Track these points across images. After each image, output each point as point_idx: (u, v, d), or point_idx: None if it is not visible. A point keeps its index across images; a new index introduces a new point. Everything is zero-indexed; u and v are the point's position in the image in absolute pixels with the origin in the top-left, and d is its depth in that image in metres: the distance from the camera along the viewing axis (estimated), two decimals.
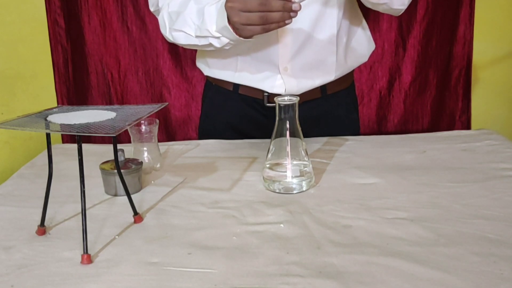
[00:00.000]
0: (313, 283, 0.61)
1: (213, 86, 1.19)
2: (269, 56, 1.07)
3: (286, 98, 0.86)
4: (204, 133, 1.24)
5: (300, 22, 1.03)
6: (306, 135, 0.88)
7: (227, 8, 0.89)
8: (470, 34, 1.52)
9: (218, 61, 1.12)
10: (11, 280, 0.64)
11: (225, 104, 1.18)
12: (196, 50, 1.24)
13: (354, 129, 1.23)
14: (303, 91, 1.09)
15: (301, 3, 0.87)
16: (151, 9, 1.13)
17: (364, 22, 1.17)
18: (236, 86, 1.14)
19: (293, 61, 1.07)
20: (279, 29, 0.99)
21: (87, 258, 0.67)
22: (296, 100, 0.86)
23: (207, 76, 1.20)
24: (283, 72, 1.07)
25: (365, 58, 1.17)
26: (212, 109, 1.22)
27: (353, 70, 1.18)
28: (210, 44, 0.99)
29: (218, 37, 0.96)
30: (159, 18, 1.07)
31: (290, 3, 0.85)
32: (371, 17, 1.28)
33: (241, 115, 1.17)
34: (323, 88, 1.13)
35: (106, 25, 1.57)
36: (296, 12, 0.86)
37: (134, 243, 0.73)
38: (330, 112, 1.17)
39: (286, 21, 0.87)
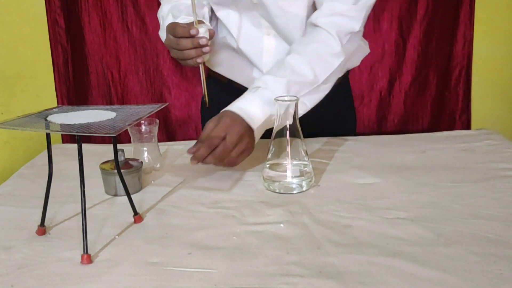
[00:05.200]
0: (313, 283, 0.61)
1: (211, 77, 1.23)
2: (254, 62, 1.11)
3: (286, 98, 0.86)
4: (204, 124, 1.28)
5: (285, 29, 1.06)
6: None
7: (165, 43, 1.02)
8: (470, 34, 1.52)
9: (213, 57, 1.17)
10: (11, 280, 0.64)
11: (220, 96, 1.19)
12: None
13: (348, 127, 1.23)
14: None
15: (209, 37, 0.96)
16: None
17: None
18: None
19: None
20: (264, 36, 1.09)
21: (87, 258, 0.67)
22: (296, 100, 0.86)
23: (207, 66, 1.24)
24: None
25: (356, 63, 1.17)
26: (210, 100, 1.24)
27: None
28: None
29: None
30: (157, 15, 1.14)
31: (197, 39, 0.94)
32: (371, 17, 1.28)
33: None
34: None
35: (106, 25, 1.57)
36: (206, 45, 0.95)
37: (134, 243, 0.73)
38: (320, 109, 1.16)
39: (198, 60, 0.97)
